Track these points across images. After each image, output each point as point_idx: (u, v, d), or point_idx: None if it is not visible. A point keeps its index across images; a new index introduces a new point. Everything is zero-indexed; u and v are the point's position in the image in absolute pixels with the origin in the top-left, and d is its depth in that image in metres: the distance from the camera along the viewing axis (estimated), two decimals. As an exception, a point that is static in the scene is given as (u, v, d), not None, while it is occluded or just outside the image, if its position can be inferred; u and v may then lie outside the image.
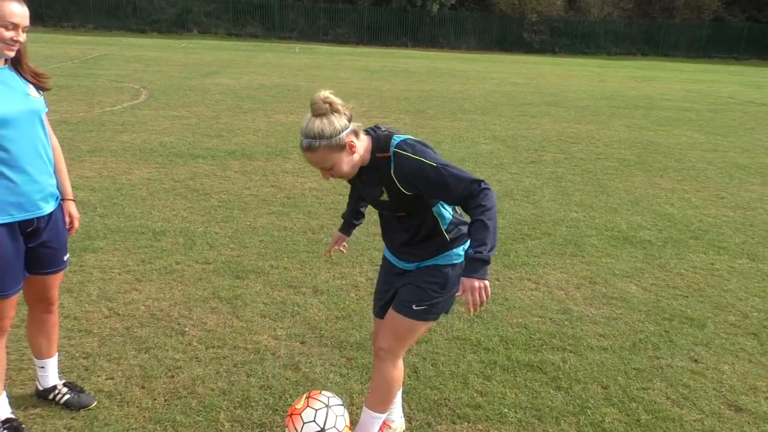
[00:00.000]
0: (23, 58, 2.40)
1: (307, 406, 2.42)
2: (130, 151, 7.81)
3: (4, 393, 2.62)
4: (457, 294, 2.02)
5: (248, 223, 5.48)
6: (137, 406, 2.87)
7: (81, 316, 3.67)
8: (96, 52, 21.85)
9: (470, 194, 2.10)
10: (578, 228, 5.80)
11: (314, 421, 2.37)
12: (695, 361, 3.57)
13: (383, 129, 2.28)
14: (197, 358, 3.31)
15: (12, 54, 2.31)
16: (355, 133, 2.17)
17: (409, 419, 2.90)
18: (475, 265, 2.05)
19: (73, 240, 4.81)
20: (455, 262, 2.38)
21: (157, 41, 29.90)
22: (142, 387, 3.02)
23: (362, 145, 2.20)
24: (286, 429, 2.45)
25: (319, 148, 2.10)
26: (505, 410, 3.00)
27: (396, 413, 2.75)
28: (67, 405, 2.81)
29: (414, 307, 2.35)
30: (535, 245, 5.29)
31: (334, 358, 3.38)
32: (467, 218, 2.33)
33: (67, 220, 2.67)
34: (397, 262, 2.49)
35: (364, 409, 2.54)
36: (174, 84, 14.28)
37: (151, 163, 7.27)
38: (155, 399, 2.94)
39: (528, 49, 38.70)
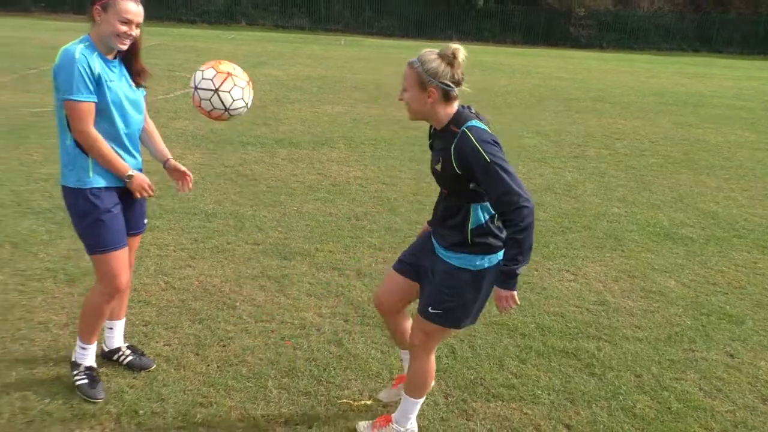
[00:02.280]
0: (138, 54, 2.71)
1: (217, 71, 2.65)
2: (183, 137, 8.13)
3: (95, 344, 2.93)
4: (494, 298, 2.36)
5: (295, 208, 5.68)
6: (192, 371, 3.09)
7: (140, 288, 3.93)
8: (148, 42, 22.48)
9: (507, 204, 2.20)
10: (619, 223, 5.82)
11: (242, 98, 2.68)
12: (731, 355, 3.60)
13: (473, 112, 2.38)
14: (247, 330, 3.52)
15: (124, 47, 2.59)
16: (446, 94, 2.29)
17: (445, 395, 3.04)
18: (506, 277, 2.29)
19: (132, 218, 5.09)
20: (471, 269, 2.42)
21: (206, 32, 30.53)
22: (197, 354, 3.25)
23: (445, 109, 2.32)
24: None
25: (413, 68, 2.29)
26: (539, 392, 3.11)
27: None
28: (129, 366, 3.05)
29: (430, 309, 2.48)
30: (574, 238, 5.34)
31: (375, 336, 3.54)
32: (503, 234, 2.42)
33: (176, 175, 2.93)
34: (432, 237, 2.62)
35: (404, 395, 2.68)
36: (223, 73, 14.62)
37: (202, 149, 7.56)
38: (209, 365, 3.15)
39: (575, 43, 38.04)
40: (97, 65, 2.54)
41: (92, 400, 2.80)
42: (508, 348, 3.50)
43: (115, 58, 2.66)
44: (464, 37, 37.87)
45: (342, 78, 15.52)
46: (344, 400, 2.95)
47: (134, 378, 3.00)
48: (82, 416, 2.71)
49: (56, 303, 3.68)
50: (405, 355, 2.87)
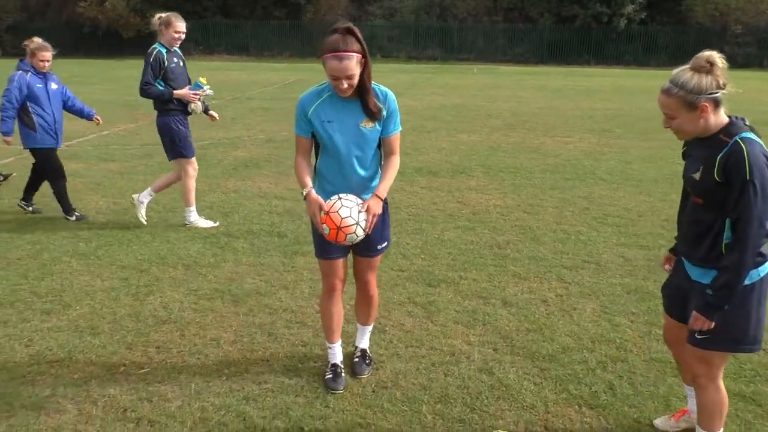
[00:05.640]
0: (365, 97, 2.88)
1: (342, 205, 2.81)
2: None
3: (337, 344, 3.35)
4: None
5: (436, 235, 5.75)
6: (349, 392, 3.21)
7: (296, 310, 4.15)
8: (292, 78, 24.06)
9: (740, 230, 2.20)
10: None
11: (350, 216, 2.79)
12: None
13: (747, 124, 2.33)
14: (398, 354, 3.59)
15: (345, 95, 2.84)
16: (716, 103, 2.25)
17: (607, 433, 2.90)
18: (709, 308, 2.31)
19: (286, 245, 5.43)
20: None
21: (344, 66, 32.12)
22: (353, 376, 3.36)
23: (715, 118, 2.28)
24: (324, 225, 2.82)
25: (674, 95, 2.26)
26: (713, 438, 2.87)
27: None
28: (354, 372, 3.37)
29: (696, 335, 2.42)
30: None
31: (526, 367, 3.46)
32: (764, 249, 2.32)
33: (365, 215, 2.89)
34: (688, 267, 2.52)
35: (697, 428, 2.61)
36: (362, 106, 15.24)
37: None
38: (364, 387, 3.25)
39: (730, 63, 34.94)
40: (313, 107, 2.93)
41: (331, 392, 3.17)
42: (674, 387, 3.27)
43: (355, 96, 2.89)
44: (603, 60, 36.57)
45: (476, 106, 15.57)
46: (500, 430, 2.91)
47: (297, 396, 3.17)
48: (254, 428, 2.90)
49: (224, 321, 4.00)
50: (689, 391, 2.83)
